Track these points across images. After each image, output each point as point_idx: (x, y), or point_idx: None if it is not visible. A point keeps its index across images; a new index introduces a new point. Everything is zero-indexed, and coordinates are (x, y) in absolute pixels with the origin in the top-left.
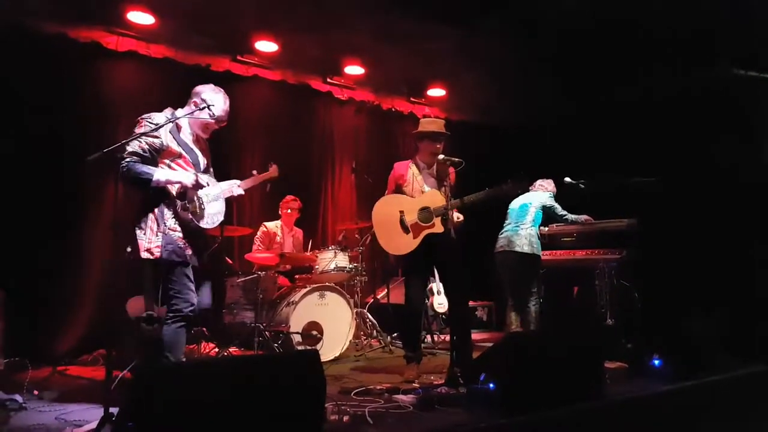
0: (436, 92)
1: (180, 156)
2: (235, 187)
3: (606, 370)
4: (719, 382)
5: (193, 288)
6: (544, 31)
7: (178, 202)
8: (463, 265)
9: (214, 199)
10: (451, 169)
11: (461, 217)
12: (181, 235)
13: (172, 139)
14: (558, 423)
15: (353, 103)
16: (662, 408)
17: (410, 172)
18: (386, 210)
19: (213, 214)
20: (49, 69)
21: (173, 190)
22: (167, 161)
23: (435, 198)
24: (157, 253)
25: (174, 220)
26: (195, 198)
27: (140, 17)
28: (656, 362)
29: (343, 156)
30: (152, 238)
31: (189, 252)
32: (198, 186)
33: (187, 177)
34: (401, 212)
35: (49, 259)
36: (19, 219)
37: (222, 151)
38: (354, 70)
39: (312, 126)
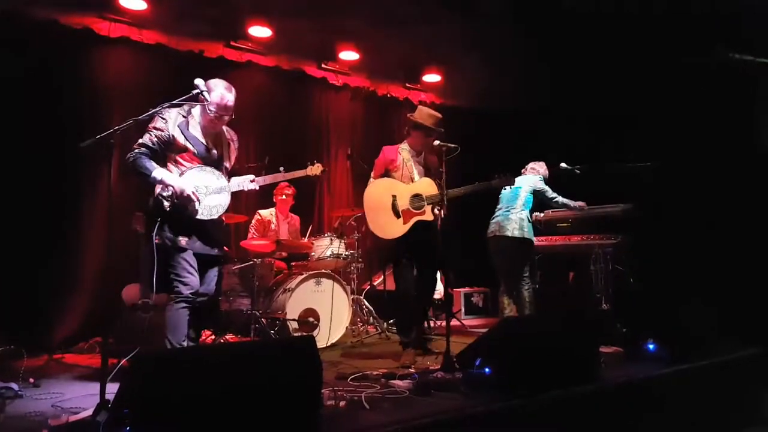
0: (432, 78)
1: (185, 149)
2: (247, 182)
3: (601, 354)
4: (714, 366)
5: (193, 272)
6: (540, 16)
7: (172, 191)
8: (440, 250)
9: (216, 191)
10: (435, 158)
11: (442, 212)
12: (176, 222)
13: (180, 133)
14: (554, 407)
15: (348, 89)
16: (657, 392)
17: (400, 157)
18: (379, 193)
19: (212, 206)
20: (40, 55)
21: (170, 189)
22: (174, 153)
23: (427, 186)
24: (154, 238)
25: (169, 208)
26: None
27: (132, 3)
28: (651, 347)
29: (338, 142)
30: (150, 224)
31: (184, 239)
32: (187, 199)
33: (179, 184)
34: (394, 197)
35: (45, 246)
36: (14, 207)
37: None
38: (349, 55)
39: (307, 112)
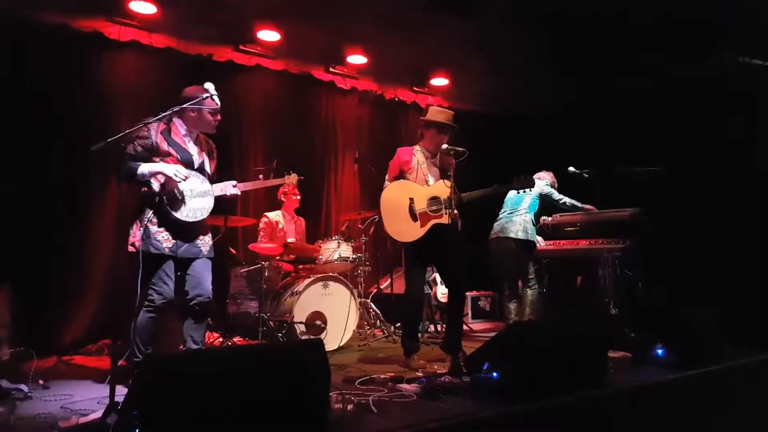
0: (440, 81)
1: (169, 155)
2: (229, 187)
3: (610, 359)
4: (723, 371)
5: (169, 282)
6: (548, 19)
7: (160, 196)
8: (464, 257)
9: (200, 195)
10: (451, 160)
11: (456, 213)
12: (160, 228)
13: (162, 139)
14: (562, 412)
15: (356, 92)
16: (666, 397)
17: (415, 159)
18: (395, 196)
19: (196, 209)
20: (50, 59)
21: (155, 186)
22: (158, 159)
23: (443, 189)
24: (137, 245)
25: (153, 213)
26: (176, 191)
27: (142, 6)
28: (659, 351)
29: (346, 146)
30: (136, 232)
31: (168, 244)
32: (174, 177)
33: (167, 168)
34: (411, 199)
35: (54, 249)
36: (24, 210)
37: (224, 140)
38: (357, 59)
39: (315, 116)
